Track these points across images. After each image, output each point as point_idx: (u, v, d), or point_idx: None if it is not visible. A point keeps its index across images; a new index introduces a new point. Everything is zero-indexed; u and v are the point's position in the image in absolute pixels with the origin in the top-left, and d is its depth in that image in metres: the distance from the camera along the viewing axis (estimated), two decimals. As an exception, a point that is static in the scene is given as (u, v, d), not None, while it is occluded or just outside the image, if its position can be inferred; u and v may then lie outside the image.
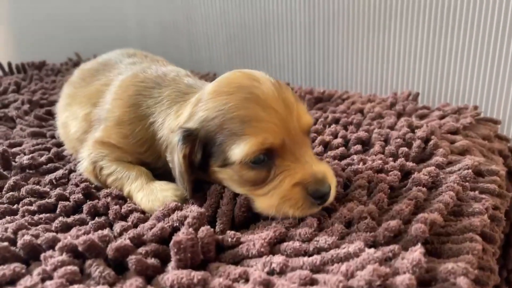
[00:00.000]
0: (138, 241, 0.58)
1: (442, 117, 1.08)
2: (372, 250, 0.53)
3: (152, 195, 0.69)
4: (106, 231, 0.58)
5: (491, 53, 1.20)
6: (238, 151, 0.61)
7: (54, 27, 1.96)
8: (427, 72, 1.31)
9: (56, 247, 0.54)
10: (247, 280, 0.51)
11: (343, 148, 0.87)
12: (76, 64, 1.78)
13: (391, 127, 0.96)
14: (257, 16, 1.52)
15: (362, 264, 0.51)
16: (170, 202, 0.66)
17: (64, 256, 0.53)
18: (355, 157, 0.82)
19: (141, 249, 0.57)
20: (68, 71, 1.66)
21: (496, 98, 1.24)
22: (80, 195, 0.71)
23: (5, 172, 0.81)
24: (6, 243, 0.55)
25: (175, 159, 0.65)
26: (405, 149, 0.82)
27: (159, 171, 0.76)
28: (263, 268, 0.53)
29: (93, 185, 0.76)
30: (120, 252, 0.55)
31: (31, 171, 0.84)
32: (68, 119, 0.90)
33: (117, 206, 0.68)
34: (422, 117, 1.08)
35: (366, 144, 0.90)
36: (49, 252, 0.54)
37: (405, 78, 1.35)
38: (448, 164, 0.81)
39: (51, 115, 1.16)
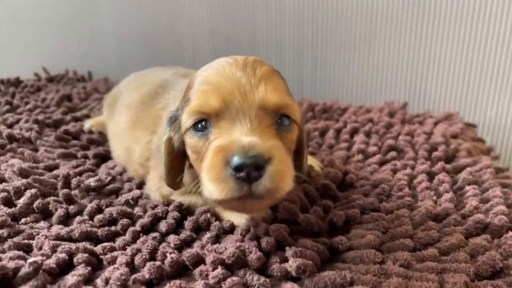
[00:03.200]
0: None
1: (435, 124, 1.23)
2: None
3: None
4: (246, 244, 0.62)
5: (463, 65, 1.38)
6: (183, 115, 0.60)
7: (21, 40, 1.86)
8: (407, 82, 1.47)
9: (207, 262, 0.58)
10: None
11: (380, 155, 0.98)
12: (50, 80, 1.71)
13: (410, 134, 1.08)
14: (246, 32, 1.59)
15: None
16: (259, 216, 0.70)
17: (220, 269, 0.57)
18: (398, 163, 0.93)
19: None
20: (47, 87, 1.60)
21: (467, 105, 1.43)
22: (176, 213, 0.74)
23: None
24: (158, 262, 0.57)
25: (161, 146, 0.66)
26: (437, 153, 0.95)
27: None
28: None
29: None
30: (261, 261, 0.60)
31: (93, 193, 0.84)
32: (132, 143, 0.91)
33: (218, 222, 0.72)
34: (420, 123, 1.23)
35: (395, 149, 1.02)
36: (201, 268, 0.58)
37: (387, 89, 1.50)
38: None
39: (69, 134, 1.13)
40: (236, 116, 0.56)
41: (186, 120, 0.59)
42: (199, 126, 0.59)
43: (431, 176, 0.86)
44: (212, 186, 0.52)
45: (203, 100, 0.57)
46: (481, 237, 0.66)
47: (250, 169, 0.50)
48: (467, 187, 0.81)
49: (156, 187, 0.80)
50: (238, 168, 0.50)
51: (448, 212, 0.71)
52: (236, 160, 0.50)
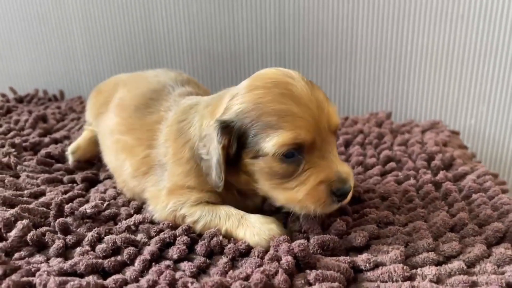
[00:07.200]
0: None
1: (422, 132, 1.24)
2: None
3: (255, 229, 0.70)
4: (267, 266, 0.59)
5: (442, 75, 1.41)
6: (272, 143, 0.64)
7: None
8: (389, 93, 1.49)
9: (234, 290, 0.54)
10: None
11: (380, 166, 0.97)
12: (19, 100, 1.62)
13: (404, 144, 1.08)
14: (226, 47, 1.56)
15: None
16: (277, 234, 0.68)
17: (248, 298, 0.53)
18: (400, 173, 0.92)
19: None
20: (18, 108, 1.51)
21: (447, 113, 1.45)
22: (186, 237, 0.69)
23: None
24: (182, 295, 0.53)
25: (212, 150, 0.68)
26: (436, 162, 0.95)
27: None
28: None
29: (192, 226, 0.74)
30: (288, 284, 0.57)
31: (89, 221, 0.78)
32: (122, 152, 0.87)
33: (233, 244, 0.68)
34: (408, 133, 1.23)
35: (393, 160, 1.01)
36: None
37: (370, 100, 1.51)
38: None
39: (51, 158, 1.06)
40: (322, 144, 0.66)
41: (278, 149, 0.64)
42: (289, 153, 0.65)
43: (436, 185, 0.86)
44: (315, 206, 0.66)
45: (297, 133, 0.64)
46: (502, 246, 0.65)
47: (347, 194, 0.68)
48: (474, 196, 0.81)
49: (162, 206, 0.77)
50: (342, 195, 0.67)
51: (464, 222, 0.70)
52: (341, 190, 0.66)
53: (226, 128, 0.67)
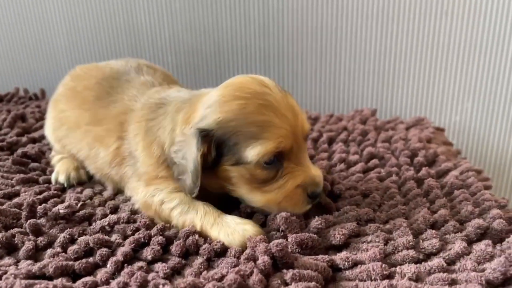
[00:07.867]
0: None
1: (407, 129, 1.23)
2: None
3: (229, 229, 0.69)
4: (243, 266, 0.57)
5: (427, 71, 1.41)
6: (255, 152, 0.66)
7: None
8: (374, 90, 1.48)
9: (207, 291, 0.52)
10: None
11: (363, 163, 0.96)
12: (-2, 99, 1.59)
13: (387, 141, 1.07)
14: (210, 43, 1.54)
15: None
16: (252, 235, 0.67)
17: (221, 299, 0.51)
18: (382, 170, 0.91)
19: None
20: (-4, 108, 1.47)
21: (433, 110, 1.45)
22: (161, 238, 0.67)
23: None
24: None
25: (189, 156, 0.69)
26: (419, 158, 0.94)
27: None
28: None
29: (168, 225, 0.72)
30: (264, 284, 0.55)
31: (62, 221, 0.76)
32: (95, 142, 0.87)
33: (208, 244, 0.66)
34: (392, 129, 1.22)
35: (376, 157, 1.00)
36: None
37: (355, 97, 1.50)
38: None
39: (28, 157, 1.03)
40: (298, 150, 0.70)
41: (261, 157, 0.67)
42: (270, 160, 0.68)
43: (418, 182, 0.85)
44: (293, 208, 0.71)
45: (279, 142, 0.67)
46: (483, 242, 0.64)
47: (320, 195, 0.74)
48: (456, 192, 0.80)
49: (143, 195, 0.78)
50: (315, 197, 0.72)
51: (445, 219, 0.69)
52: (315, 192, 0.71)
53: (206, 136, 0.68)
